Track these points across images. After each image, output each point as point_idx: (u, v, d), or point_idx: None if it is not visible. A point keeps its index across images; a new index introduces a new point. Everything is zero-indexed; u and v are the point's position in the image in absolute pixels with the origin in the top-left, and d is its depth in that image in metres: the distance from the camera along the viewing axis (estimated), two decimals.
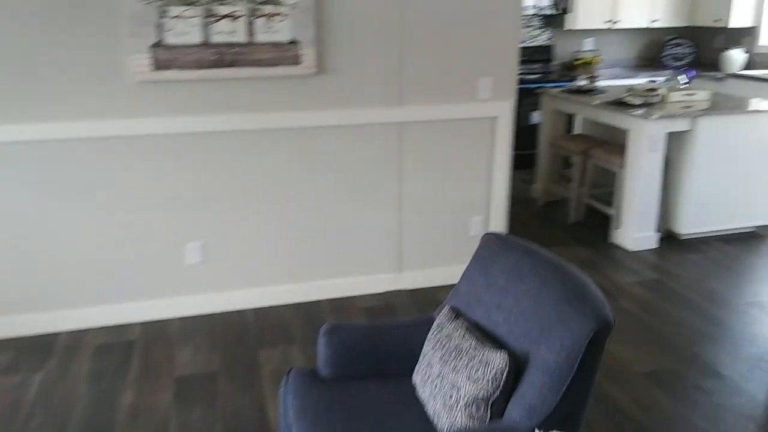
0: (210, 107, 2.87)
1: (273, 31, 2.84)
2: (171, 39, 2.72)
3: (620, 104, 4.19)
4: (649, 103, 4.16)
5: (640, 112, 3.91)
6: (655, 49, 6.60)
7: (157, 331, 2.99)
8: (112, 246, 2.94)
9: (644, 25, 6.16)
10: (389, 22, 2.99)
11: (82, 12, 2.61)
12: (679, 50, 6.56)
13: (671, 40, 6.55)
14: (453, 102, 3.21)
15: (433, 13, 3.04)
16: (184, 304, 3.11)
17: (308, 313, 3.20)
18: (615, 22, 6.04)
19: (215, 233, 3.07)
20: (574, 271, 1.70)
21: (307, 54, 2.91)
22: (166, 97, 2.81)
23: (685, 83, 4.56)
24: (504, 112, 3.30)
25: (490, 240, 1.98)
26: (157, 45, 2.71)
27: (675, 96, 4.28)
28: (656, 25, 6.19)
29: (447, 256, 3.47)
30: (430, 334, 1.87)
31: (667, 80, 4.81)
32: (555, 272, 1.71)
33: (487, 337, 1.77)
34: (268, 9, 2.80)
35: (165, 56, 2.73)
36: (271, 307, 3.23)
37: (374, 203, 3.26)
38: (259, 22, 2.81)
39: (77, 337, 2.93)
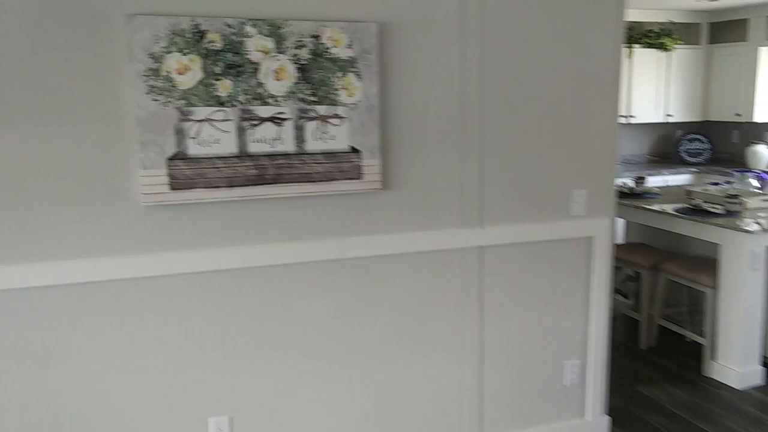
0: (243, 236, 2.14)
1: (328, 137, 2.18)
2: (195, 149, 2.03)
3: (698, 212, 3.63)
4: (730, 211, 3.61)
5: (732, 222, 3.33)
6: (669, 144, 6.32)
7: None
8: (115, 421, 2.09)
9: (659, 120, 5.93)
10: (467, 126, 2.38)
11: (74, 110, 1.91)
12: (695, 145, 6.27)
13: (686, 135, 6.28)
14: (541, 220, 2.56)
15: (519, 115, 2.45)
16: None
17: None
18: (630, 117, 5.78)
19: (245, 402, 2.24)
20: None
21: (370, 165, 2.25)
22: (187, 225, 2.07)
23: (758, 188, 4.06)
24: (602, 231, 2.65)
25: None
26: (177, 157, 2.01)
27: (755, 202, 3.74)
28: (671, 120, 5.96)
29: (537, 412, 2.68)
30: None
31: (730, 183, 4.31)
32: None
33: None
34: (321, 110, 2.15)
35: (187, 172, 2.03)
36: None
37: (447, 351, 2.50)
38: (311, 127, 2.15)
39: None
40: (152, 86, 1.95)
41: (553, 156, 2.54)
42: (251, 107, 2.07)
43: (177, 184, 2.01)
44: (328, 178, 2.19)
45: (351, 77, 2.17)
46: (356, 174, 2.23)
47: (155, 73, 1.95)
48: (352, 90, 2.18)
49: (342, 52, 2.14)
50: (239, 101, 2.05)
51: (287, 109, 2.11)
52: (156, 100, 1.96)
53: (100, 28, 1.90)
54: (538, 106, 2.48)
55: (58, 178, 1.92)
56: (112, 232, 2.00)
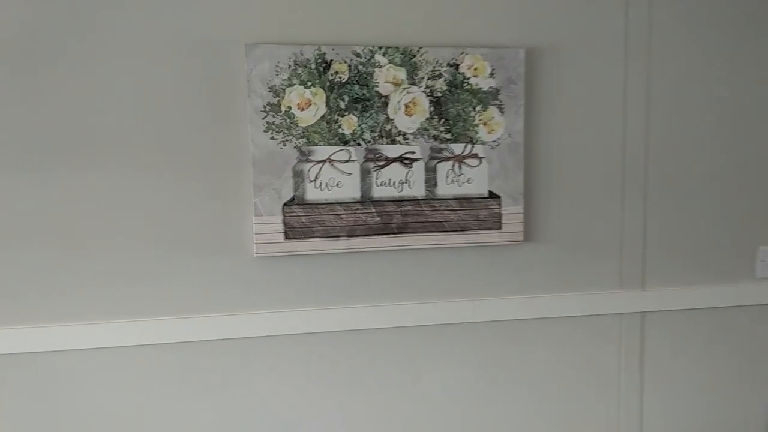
0: (363, 292, 1.87)
1: (463, 180, 1.88)
2: (314, 193, 1.80)
3: None
4: None
5: None
6: None
7: None
8: None
9: None
10: (629, 169, 1.99)
11: (182, 150, 1.75)
12: None
13: None
14: (718, 283, 2.09)
15: (691, 155, 2.03)
16: None
17: None
18: None
19: None
20: None
21: (512, 213, 1.91)
22: (300, 280, 1.83)
23: None
24: None
25: None
26: (294, 202, 1.80)
27: None
28: None
29: None
30: None
31: None
32: None
33: None
34: (457, 149, 1.86)
35: (304, 219, 1.80)
36: None
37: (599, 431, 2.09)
38: (444, 168, 1.86)
39: None
40: (271, 123, 1.75)
41: (733, 205, 2.07)
42: (378, 146, 1.81)
43: (292, 232, 1.78)
44: (462, 227, 1.88)
45: (492, 111, 1.86)
46: (495, 223, 1.90)
47: (275, 108, 1.75)
48: (492, 126, 1.87)
49: (483, 83, 1.85)
50: (364, 139, 1.80)
51: (418, 148, 1.83)
52: (274, 139, 1.75)
53: (218, 60, 1.73)
54: (714, 145, 2.03)
55: (160, 227, 1.75)
56: (219, 287, 1.79)
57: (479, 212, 1.89)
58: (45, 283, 1.70)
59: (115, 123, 1.69)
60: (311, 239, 1.80)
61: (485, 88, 1.85)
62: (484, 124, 1.86)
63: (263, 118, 1.74)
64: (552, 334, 2.02)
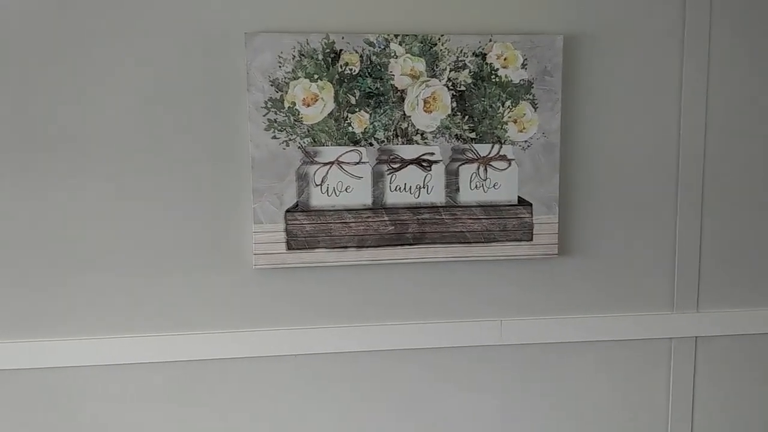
0: (373, 310, 1.67)
1: (489, 185, 1.66)
2: (320, 199, 1.61)
3: None
4: None
5: None
6: None
7: None
8: None
9: None
10: (684, 174, 1.73)
11: (175, 149, 1.58)
12: None
13: None
14: None
15: (756, 159, 1.76)
16: None
17: None
18: None
19: None
20: None
21: (545, 223, 1.69)
22: (304, 294, 1.65)
23: None
24: None
25: None
26: (297, 209, 1.62)
27: None
28: None
29: None
30: None
31: None
32: None
33: None
34: (483, 150, 1.65)
35: (308, 227, 1.62)
36: None
37: None
38: (467, 172, 1.65)
39: None
40: (272, 120, 1.57)
41: None
42: (392, 146, 1.62)
43: (295, 242, 1.60)
44: (487, 238, 1.67)
45: (524, 107, 1.64)
46: (525, 234, 1.68)
47: (277, 104, 1.57)
48: (524, 123, 1.64)
49: (514, 74, 1.62)
50: (377, 139, 1.61)
51: (438, 149, 1.63)
52: (276, 138, 1.57)
53: (214, 51, 1.55)
54: None
55: (151, 236, 1.59)
56: (215, 302, 1.63)
57: (507, 221, 1.67)
58: (22, 295, 1.58)
59: (103, 124, 1.54)
60: (316, 250, 1.61)
61: (516, 81, 1.62)
62: (515, 121, 1.64)
63: (264, 116, 1.56)
64: (589, 359, 1.78)
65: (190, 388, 1.66)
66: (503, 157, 1.65)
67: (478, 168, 1.65)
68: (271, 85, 1.56)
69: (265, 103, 1.56)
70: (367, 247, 1.63)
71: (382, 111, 1.60)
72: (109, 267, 1.59)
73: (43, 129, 1.53)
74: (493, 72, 1.62)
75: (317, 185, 1.60)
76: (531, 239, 1.68)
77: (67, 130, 1.53)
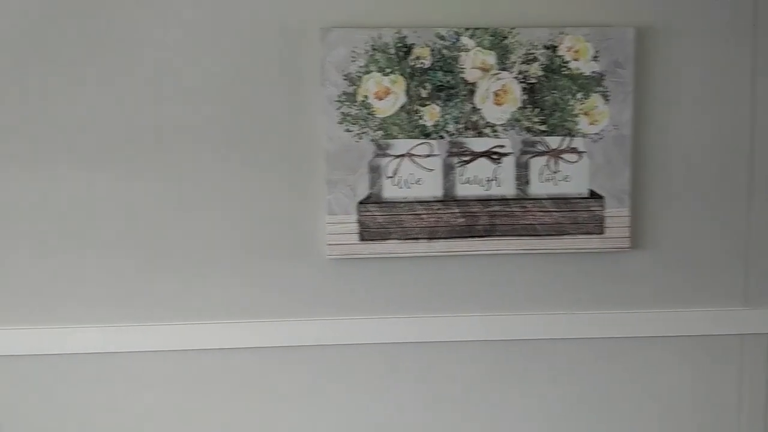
0: (443, 301, 1.68)
1: (560, 178, 1.66)
2: (392, 191, 1.64)
3: None
4: None
5: None
6: None
7: None
8: None
9: None
10: (758, 166, 1.69)
11: (251, 143, 1.63)
12: None
13: None
14: None
15: None
16: None
17: None
18: None
19: None
20: None
21: (616, 216, 1.68)
22: (375, 285, 1.67)
23: None
24: None
25: None
26: (370, 200, 1.65)
27: None
28: None
29: None
30: None
31: None
32: None
33: None
34: (553, 142, 1.65)
35: (380, 219, 1.65)
36: None
37: None
38: (537, 164, 1.65)
39: None
40: (346, 114, 1.60)
41: None
42: (462, 139, 1.63)
43: (368, 233, 1.63)
44: (558, 231, 1.67)
45: (595, 99, 1.63)
46: (596, 227, 1.67)
47: (350, 98, 1.60)
48: (595, 116, 1.64)
49: (585, 67, 1.62)
50: (448, 132, 1.62)
51: (508, 142, 1.64)
52: (349, 131, 1.61)
53: (290, 46, 1.60)
54: None
55: (227, 225, 1.64)
56: (288, 290, 1.67)
57: (578, 214, 1.66)
58: (111, 284, 1.65)
59: (180, 118, 1.60)
60: (388, 241, 1.64)
61: (587, 73, 1.62)
62: (586, 113, 1.63)
63: (338, 109, 1.60)
64: (659, 355, 1.75)
65: (262, 374, 1.70)
66: (574, 150, 1.65)
67: (549, 160, 1.65)
68: (345, 79, 1.59)
69: (339, 97, 1.60)
70: (438, 238, 1.65)
71: (452, 104, 1.62)
72: (185, 257, 1.65)
73: (128, 124, 1.60)
74: (563, 64, 1.62)
75: (389, 177, 1.63)
76: (602, 232, 1.67)
77: (149, 125, 1.60)
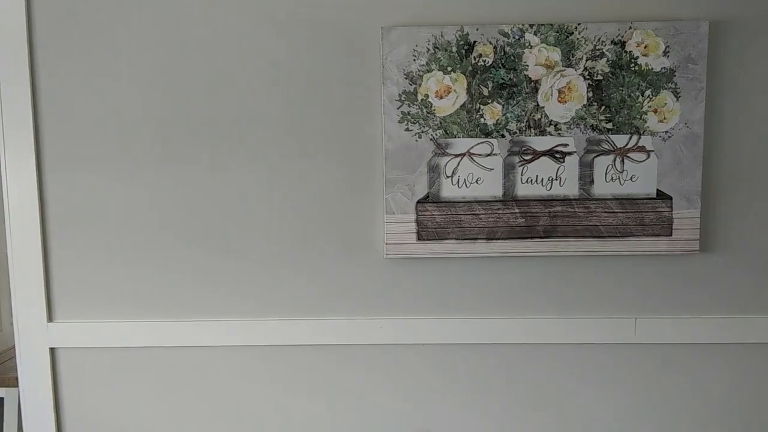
0: (501, 303, 1.66)
1: (626, 178, 1.61)
2: (450, 190, 1.62)
3: None
4: None
5: None
6: None
7: None
8: None
9: None
10: None
11: (311, 141, 1.64)
12: None
13: None
14: None
15: None
16: None
17: None
18: None
19: None
20: None
21: (686, 218, 1.61)
22: (432, 285, 1.67)
23: None
24: None
25: None
26: (428, 200, 1.64)
27: None
28: None
29: None
30: None
31: None
32: None
33: None
34: (620, 141, 1.59)
35: (438, 218, 1.63)
36: None
37: None
38: (602, 164, 1.60)
39: None
40: (406, 113, 1.59)
41: None
42: (524, 138, 1.60)
43: (426, 233, 1.62)
44: (623, 233, 1.61)
45: (665, 96, 1.57)
46: (664, 229, 1.61)
47: (411, 97, 1.59)
48: (665, 113, 1.58)
49: (655, 62, 1.56)
50: (509, 130, 1.59)
51: (572, 140, 1.59)
52: (409, 130, 1.60)
53: (351, 45, 1.61)
54: None
55: (287, 222, 1.66)
56: (346, 289, 1.68)
57: (645, 215, 1.60)
58: (173, 280, 1.70)
59: (244, 114, 1.63)
60: (446, 241, 1.62)
61: (657, 69, 1.56)
62: (655, 111, 1.57)
63: (398, 108, 1.59)
64: (729, 363, 1.68)
65: (320, 370, 1.72)
66: (642, 149, 1.59)
67: (615, 159, 1.59)
68: (405, 78, 1.58)
69: (399, 95, 1.59)
70: (497, 239, 1.62)
71: (515, 102, 1.58)
72: (244, 254, 1.68)
73: (199, 123, 1.64)
74: (632, 60, 1.56)
75: (448, 177, 1.61)
76: (670, 234, 1.61)
77: (220, 124, 1.64)
